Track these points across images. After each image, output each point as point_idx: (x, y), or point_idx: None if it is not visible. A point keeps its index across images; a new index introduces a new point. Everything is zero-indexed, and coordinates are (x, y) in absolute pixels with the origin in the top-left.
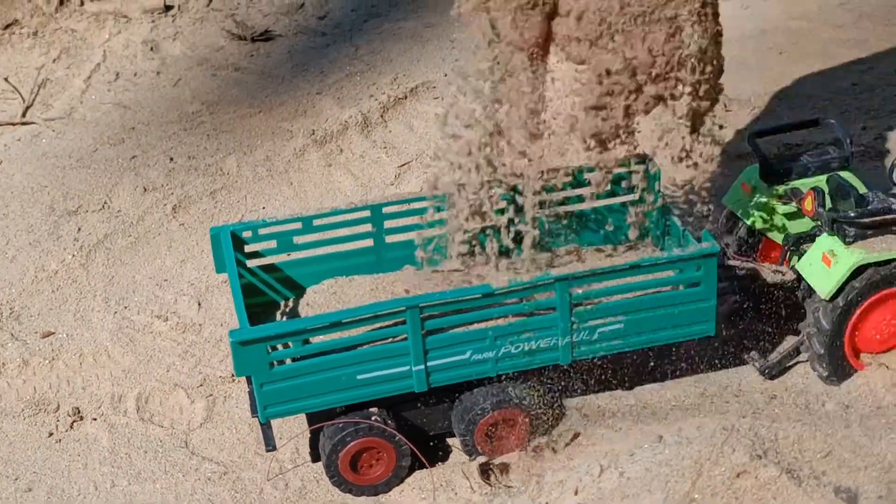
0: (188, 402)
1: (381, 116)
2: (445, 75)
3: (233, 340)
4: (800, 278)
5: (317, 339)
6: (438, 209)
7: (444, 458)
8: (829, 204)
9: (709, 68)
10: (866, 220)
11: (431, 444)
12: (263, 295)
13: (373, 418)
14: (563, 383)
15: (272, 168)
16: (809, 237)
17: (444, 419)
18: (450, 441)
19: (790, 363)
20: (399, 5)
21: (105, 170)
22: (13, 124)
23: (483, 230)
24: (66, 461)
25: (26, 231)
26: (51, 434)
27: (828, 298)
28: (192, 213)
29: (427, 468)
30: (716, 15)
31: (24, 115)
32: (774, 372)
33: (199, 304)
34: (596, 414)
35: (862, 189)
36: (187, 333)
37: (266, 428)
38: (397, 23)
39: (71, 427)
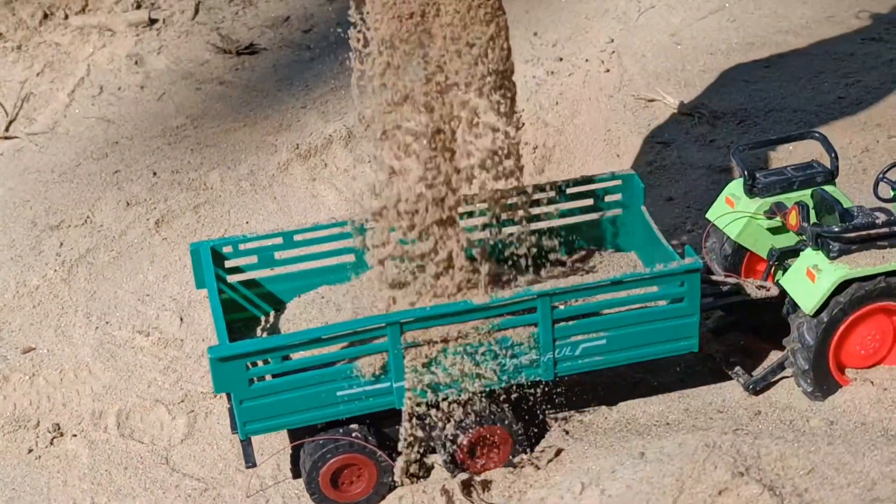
0: (169, 419)
1: (366, 131)
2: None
3: (212, 357)
4: (784, 293)
5: (297, 356)
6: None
7: (426, 474)
8: (813, 218)
9: None
10: (851, 234)
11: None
12: (244, 311)
13: (353, 435)
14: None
15: (256, 182)
16: (794, 252)
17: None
18: (431, 458)
19: (774, 379)
20: None
21: (88, 184)
22: None
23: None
24: (46, 478)
25: (8, 246)
26: (30, 450)
27: (812, 314)
28: (174, 227)
29: (408, 485)
30: None
31: (7, 129)
32: (759, 388)
33: (181, 320)
34: (578, 430)
35: (847, 203)
36: (169, 349)
37: (246, 445)
38: None
39: (51, 443)
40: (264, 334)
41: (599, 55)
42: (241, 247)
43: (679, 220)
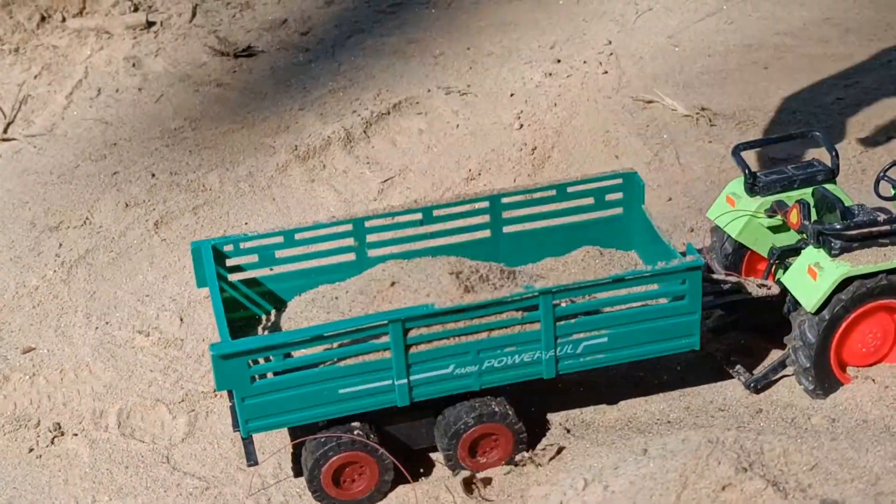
0: (170, 418)
1: (364, 132)
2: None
3: (214, 354)
4: (785, 291)
5: (299, 353)
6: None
7: (428, 472)
8: (814, 216)
9: None
10: (852, 232)
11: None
12: (245, 309)
13: (355, 432)
14: None
15: (255, 184)
16: (795, 250)
17: (428, 433)
18: (433, 456)
19: (776, 377)
20: (382, 21)
21: (86, 186)
22: None
23: None
24: (47, 477)
25: (7, 247)
26: (31, 450)
27: (813, 311)
28: (174, 228)
29: (410, 483)
30: None
31: (5, 131)
32: (760, 386)
33: (181, 320)
34: (580, 428)
35: (848, 201)
36: (169, 349)
37: (248, 443)
38: (380, 39)
39: (51, 443)
40: (265, 333)
41: (597, 57)
42: (242, 245)
43: (679, 221)
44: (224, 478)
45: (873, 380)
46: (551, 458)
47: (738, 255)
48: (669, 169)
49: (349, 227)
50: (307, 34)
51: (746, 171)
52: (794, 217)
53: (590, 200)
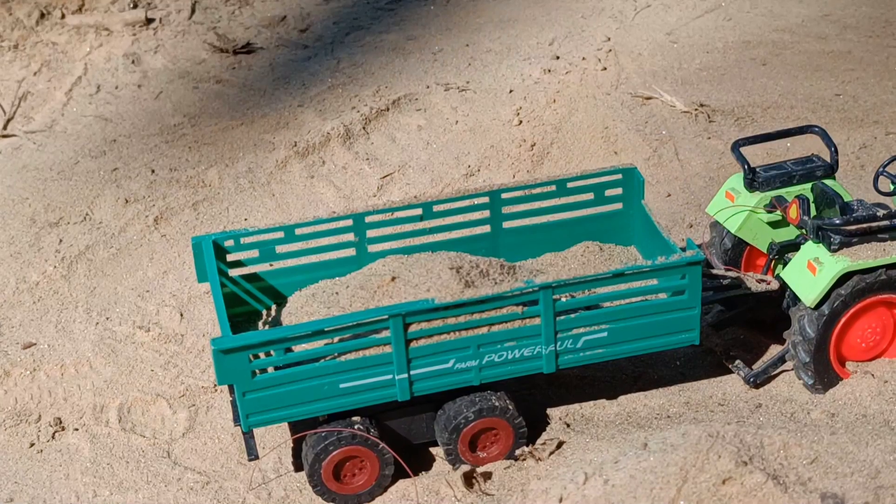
0: (170, 413)
1: (364, 128)
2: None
3: (215, 349)
4: (784, 286)
5: (299, 348)
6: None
7: (428, 467)
8: (813, 212)
9: None
10: (851, 227)
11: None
12: (246, 304)
13: (356, 427)
14: None
15: (254, 180)
16: (794, 245)
17: (428, 428)
18: (433, 450)
19: (775, 372)
20: (381, 18)
21: (86, 182)
22: None
23: None
24: (48, 471)
25: (8, 243)
26: (32, 444)
27: (813, 306)
28: (173, 224)
29: (410, 477)
30: None
31: (5, 127)
32: (759, 381)
33: (181, 315)
34: (580, 423)
35: (846, 197)
36: (169, 344)
37: (248, 437)
38: (379, 35)
39: (53, 437)
40: (266, 328)
41: (596, 53)
42: (243, 241)
43: (678, 216)
44: (225, 472)
45: (872, 374)
46: (551, 453)
47: (738, 251)
48: (668, 165)
49: (349, 222)
50: (306, 31)
51: (746, 167)
52: (793, 212)
53: (589, 196)
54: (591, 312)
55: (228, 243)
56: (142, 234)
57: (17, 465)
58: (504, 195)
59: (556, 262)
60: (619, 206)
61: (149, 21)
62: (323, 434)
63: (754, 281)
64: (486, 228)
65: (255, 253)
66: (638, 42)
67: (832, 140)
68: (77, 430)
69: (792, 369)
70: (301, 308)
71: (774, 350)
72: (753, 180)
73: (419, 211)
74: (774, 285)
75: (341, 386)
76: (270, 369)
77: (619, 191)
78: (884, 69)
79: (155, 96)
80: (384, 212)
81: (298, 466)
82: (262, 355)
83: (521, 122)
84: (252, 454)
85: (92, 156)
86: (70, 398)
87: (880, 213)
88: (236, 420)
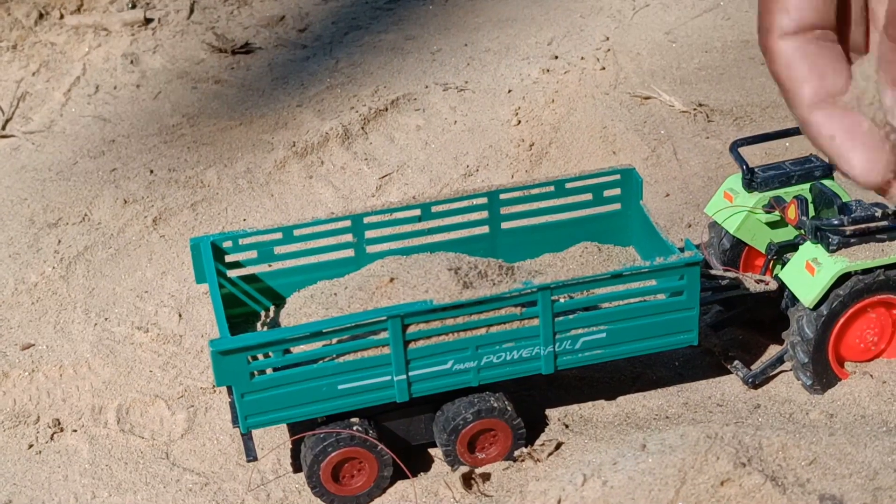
0: (169, 414)
1: (362, 128)
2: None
3: (213, 350)
4: (783, 287)
5: (298, 349)
6: (420, 219)
7: (426, 468)
8: (812, 212)
9: None
10: (850, 228)
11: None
12: (244, 305)
13: (354, 428)
14: None
15: (253, 180)
16: (793, 246)
17: (426, 429)
18: (432, 451)
19: (774, 372)
20: (379, 18)
21: (85, 182)
22: None
23: None
24: (47, 473)
25: (6, 243)
26: (31, 446)
27: (811, 307)
28: (172, 225)
29: (409, 478)
30: None
31: (3, 128)
32: (758, 381)
33: (180, 316)
34: (578, 424)
35: (845, 197)
36: (168, 345)
37: (247, 439)
38: (378, 35)
39: (51, 439)
40: (264, 329)
41: (595, 53)
42: (241, 242)
43: (677, 216)
44: (223, 473)
45: (871, 375)
46: (550, 454)
47: (736, 251)
48: (667, 165)
49: (348, 223)
50: (304, 31)
51: (744, 167)
52: (791, 213)
53: (588, 196)
54: (590, 313)
55: (227, 244)
56: (140, 235)
57: (15, 467)
58: (502, 196)
59: (555, 263)
60: (617, 206)
61: (147, 21)
62: (321, 435)
63: (753, 281)
64: (485, 229)
65: (253, 254)
66: (636, 41)
67: None
68: (76, 431)
69: (790, 370)
70: (299, 309)
71: (773, 350)
72: (752, 181)
73: (418, 212)
74: (773, 286)
75: (340, 387)
76: (269, 370)
77: (617, 191)
78: None
79: (153, 96)
80: (383, 213)
81: (297, 468)
82: (260, 356)
83: (519, 121)
84: (251, 455)
85: (91, 156)
86: (69, 399)
87: (878, 213)
88: (235, 421)
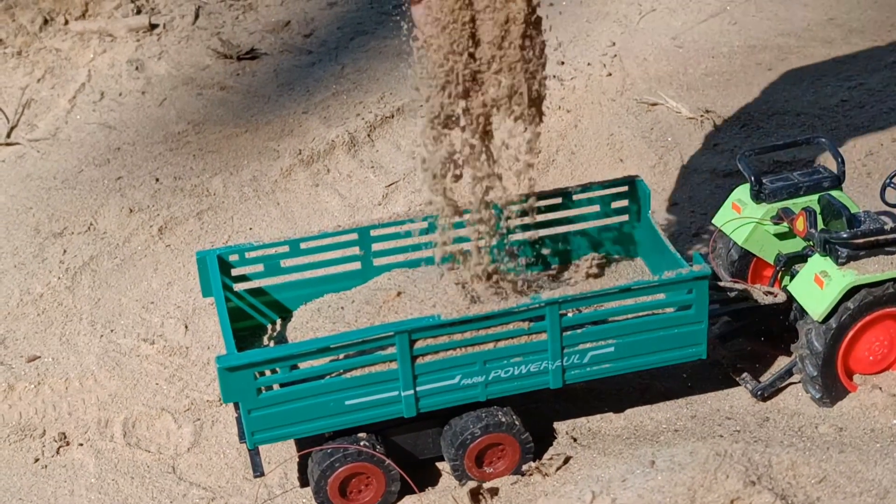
0: (175, 427)
1: (369, 136)
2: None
3: (220, 367)
4: (791, 299)
5: (305, 365)
6: (426, 231)
7: (434, 482)
8: (820, 224)
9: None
10: (859, 240)
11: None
12: (251, 319)
13: (361, 443)
14: None
15: (259, 188)
16: (801, 258)
17: (434, 444)
18: (440, 466)
19: (782, 385)
20: (385, 23)
21: (90, 191)
22: None
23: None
24: (53, 487)
25: (11, 253)
26: (37, 460)
27: (820, 320)
28: (178, 234)
29: (416, 493)
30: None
31: (8, 135)
32: (766, 394)
33: (186, 327)
34: (586, 437)
35: (854, 208)
36: (174, 357)
37: (254, 454)
38: (384, 41)
39: (57, 453)
40: (271, 343)
41: (601, 59)
42: (248, 255)
43: (684, 226)
44: (230, 488)
45: (880, 388)
46: (558, 468)
47: (744, 262)
48: (674, 172)
49: (355, 236)
50: (310, 36)
51: (752, 178)
52: (800, 224)
53: (595, 208)
54: (598, 327)
55: (233, 258)
56: (146, 245)
57: (21, 481)
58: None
59: (562, 276)
60: (625, 217)
61: (152, 27)
62: (329, 450)
63: (761, 293)
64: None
65: (259, 267)
66: (643, 47)
67: (839, 151)
68: (82, 445)
69: (799, 382)
70: (306, 323)
71: (781, 363)
72: (760, 191)
73: (425, 224)
74: (781, 297)
75: (347, 403)
76: (276, 386)
77: (625, 203)
78: (889, 75)
79: (159, 103)
80: (390, 225)
81: (304, 482)
82: (267, 372)
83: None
84: (258, 471)
85: (96, 164)
86: (74, 412)
87: (888, 226)
88: (241, 437)
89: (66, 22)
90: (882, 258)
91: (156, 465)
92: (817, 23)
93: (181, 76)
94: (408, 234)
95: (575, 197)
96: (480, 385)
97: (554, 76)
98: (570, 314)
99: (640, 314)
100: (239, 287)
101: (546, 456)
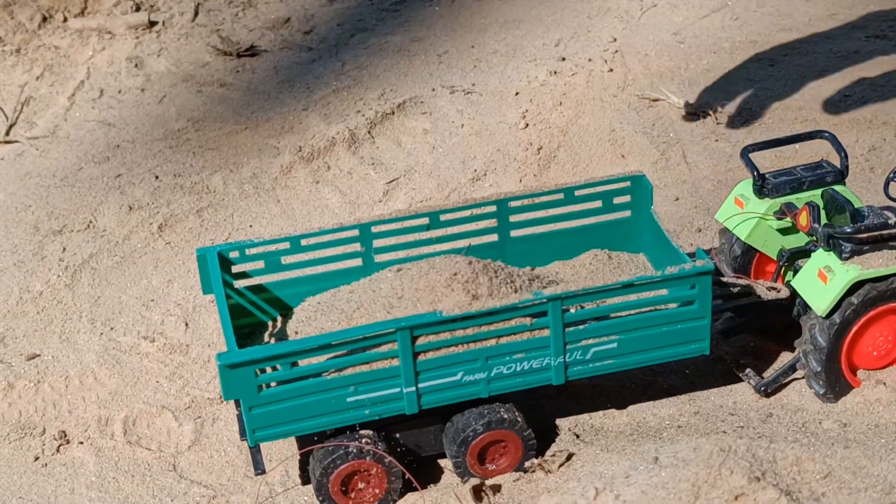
0: (176, 425)
1: (369, 132)
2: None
3: (221, 364)
4: (795, 294)
5: (306, 362)
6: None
7: (436, 480)
8: (824, 219)
9: None
10: (862, 235)
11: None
12: (251, 316)
13: (363, 441)
14: None
15: (259, 185)
16: (804, 253)
17: (436, 441)
18: (442, 463)
19: (786, 380)
20: (386, 20)
21: (90, 188)
22: None
23: None
24: (53, 486)
25: (10, 251)
26: (37, 458)
27: (824, 315)
28: (178, 231)
29: (419, 490)
30: None
31: (7, 133)
32: (770, 389)
33: (187, 325)
34: (589, 433)
35: (857, 203)
36: (174, 354)
37: (255, 452)
38: (384, 37)
39: (57, 451)
40: (272, 340)
41: (602, 54)
42: (248, 252)
43: (686, 221)
44: (231, 486)
45: (884, 383)
46: (561, 465)
47: (747, 258)
48: (676, 168)
49: (356, 232)
50: (310, 33)
51: (755, 173)
52: (803, 220)
53: (597, 204)
54: (600, 323)
55: (233, 255)
56: (146, 242)
57: (21, 480)
58: (511, 203)
59: (565, 271)
60: (627, 213)
61: (152, 24)
62: (330, 448)
63: (764, 288)
64: (494, 237)
65: (260, 264)
66: (644, 42)
67: (842, 146)
68: (82, 443)
69: (803, 378)
70: (307, 319)
71: (785, 358)
72: (763, 187)
73: (426, 220)
74: (784, 293)
75: (348, 400)
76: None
77: (627, 198)
78: (891, 69)
79: (158, 100)
80: (390, 221)
81: (306, 480)
82: (268, 369)
83: (527, 125)
84: (259, 468)
85: (95, 162)
86: (75, 410)
87: (891, 220)
88: (242, 434)
89: (65, 19)
90: (886, 253)
91: (156, 463)
92: (819, 18)
93: (181, 73)
94: (409, 231)
95: (578, 193)
96: (483, 381)
97: (554, 72)
98: (572, 310)
99: (643, 310)
100: (239, 284)
101: (549, 452)
